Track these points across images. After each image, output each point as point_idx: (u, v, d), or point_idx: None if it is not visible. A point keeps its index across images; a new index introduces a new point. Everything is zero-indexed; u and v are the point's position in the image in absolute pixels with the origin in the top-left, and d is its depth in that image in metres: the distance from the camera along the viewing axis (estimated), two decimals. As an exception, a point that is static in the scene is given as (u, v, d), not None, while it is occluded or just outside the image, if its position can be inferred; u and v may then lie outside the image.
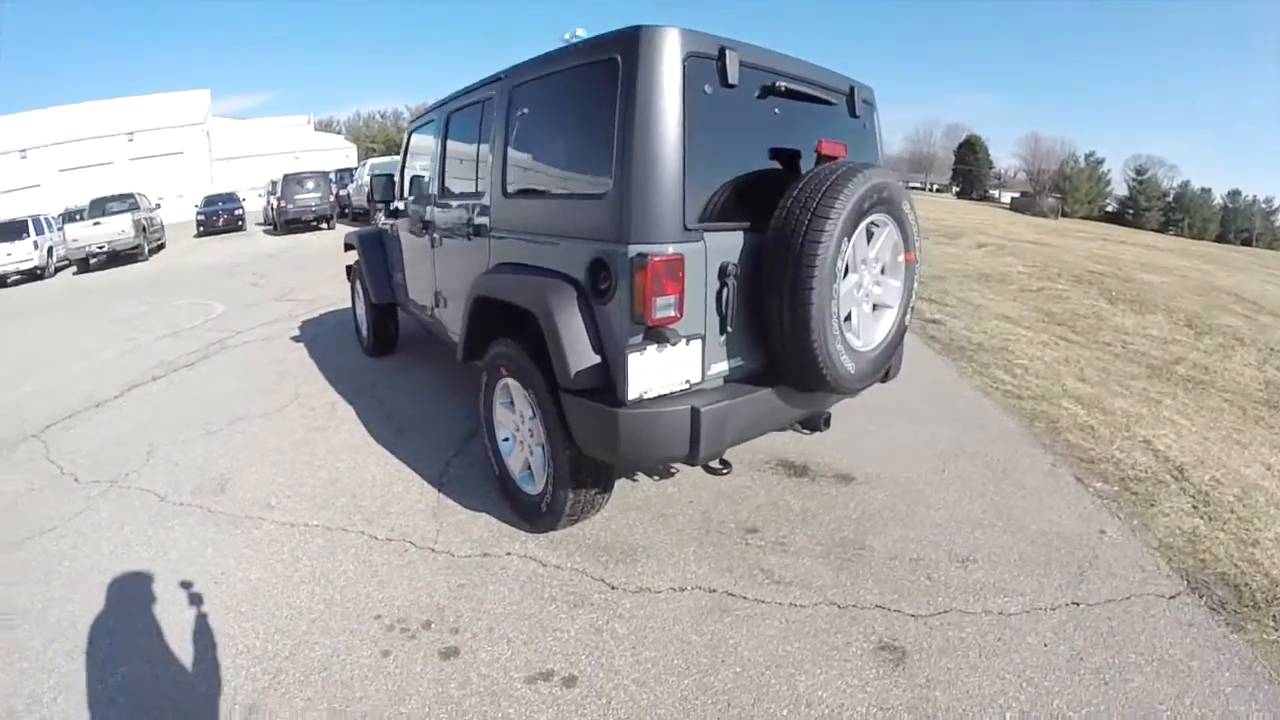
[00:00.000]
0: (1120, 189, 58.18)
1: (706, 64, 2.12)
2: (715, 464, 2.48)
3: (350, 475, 3.45)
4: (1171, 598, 2.37)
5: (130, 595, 2.54)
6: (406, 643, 2.21)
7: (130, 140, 29.94)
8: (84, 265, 14.28)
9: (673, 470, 3.04)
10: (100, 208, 14.81)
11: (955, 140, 73.95)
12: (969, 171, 66.21)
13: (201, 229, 19.69)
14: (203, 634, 2.29)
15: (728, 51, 2.13)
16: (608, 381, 2.10)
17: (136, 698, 2.02)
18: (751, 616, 2.27)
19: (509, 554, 2.68)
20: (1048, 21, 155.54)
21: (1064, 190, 54.47)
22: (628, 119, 2.02)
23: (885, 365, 2.49)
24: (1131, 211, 52.80)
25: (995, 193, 65.24)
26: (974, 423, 4.00)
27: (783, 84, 2.30)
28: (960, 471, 3.34)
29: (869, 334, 2.44)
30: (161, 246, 17.51)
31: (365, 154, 40.77)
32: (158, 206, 18.14)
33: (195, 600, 2.48)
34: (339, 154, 36.80)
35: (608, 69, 2.10)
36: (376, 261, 4.87)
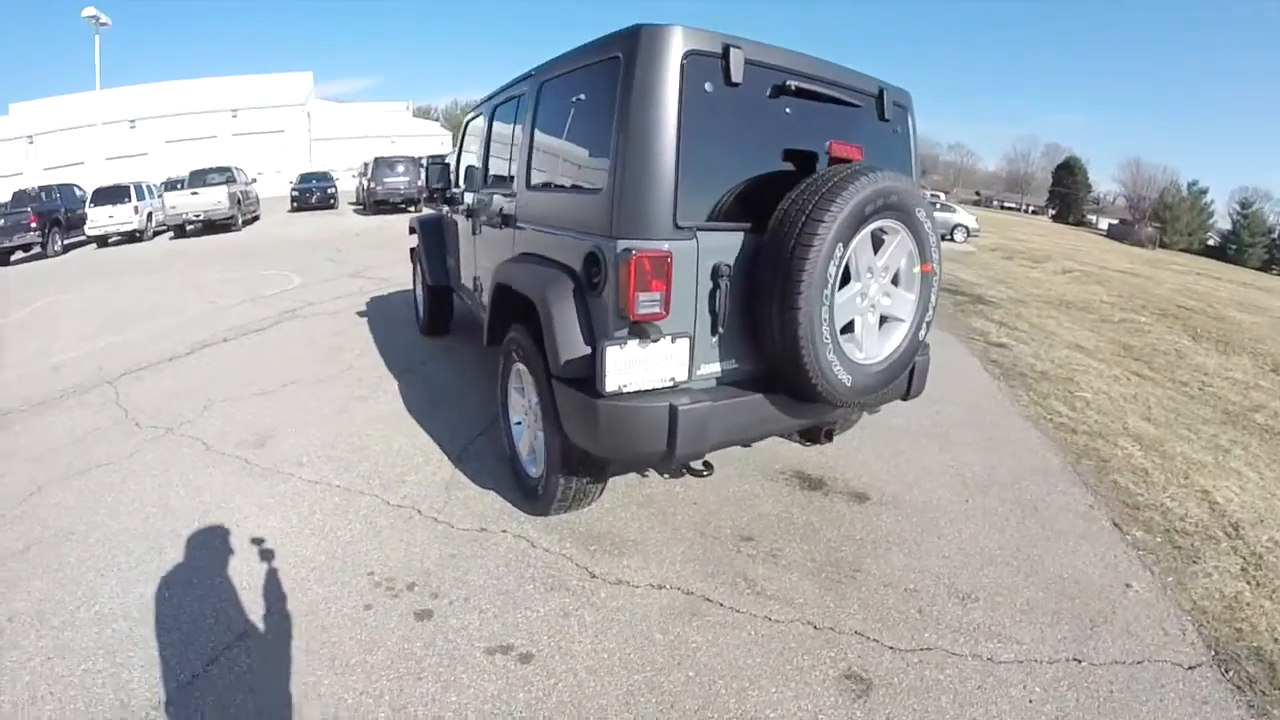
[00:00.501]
0: (1223, 222, 53.05)
1: (709, 62, 2.10)
2: (697, 465, 2.46)
3: (379, 443, 3.62)
4: (1191, 668, 2.15)
5: (159, 529, 2.82)
6: (388, 600, 2.35)
7: (234, 116, 32.07)
8: (180, 231, 15.60)
9: (683, 469, 3.02)
10: (200, 179, 15.82)
11: (1054, 161, 69.48)
12: (1066, 194, 62.07)
13: (295, 205, 20.94)
14: (215, 569, 2.52)
15: (732, 49, 2.11)
16: (594, 372, 2.13)
17: (144, 614, 2.28)
18: (721, 624, 2.25)
19: (504, 532, 2.77)
20: (1156, 41, 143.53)
21: (1164, 220, 50.23)
22: (624, 116, 2.06)
23: (892, 380, 2.39)
24: (1234, 247, 48.07)
25: (1092, 218, 60.85)
26: (1014, 454, 3.78)
27: (794, 83, 2.25)
28: (985, 503, 3.16)
29: (874, 347, 2.35)
30: (256, 218, 18.77)
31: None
32: (254, 181, 19.52)
33: (216, 539, 2.73)
34: (434, 140, 38.25)
35: (611, 67, 2.14)
36: (434, 245, 5.09)
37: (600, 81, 2.22)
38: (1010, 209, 66.06)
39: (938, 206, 21.06)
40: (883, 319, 2.39)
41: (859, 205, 2.04)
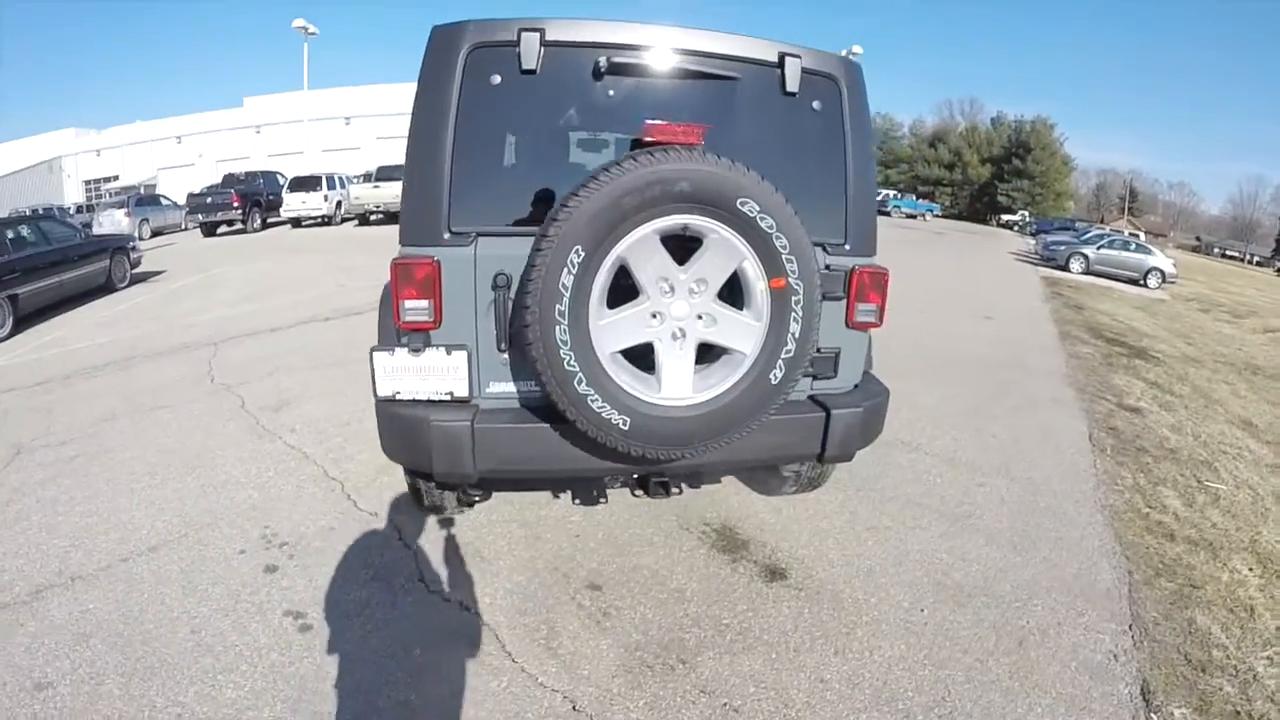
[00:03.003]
0: None
1: (499, 52, 1.91)
2: (471, 492, 2.32)
3: (371, 423, 3.99)
4: None
5: (160, 460, 3.58)
6: (259, 550, 2.70)
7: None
8: (364, 220, 17.68)
9: (600, 499, 2.80)
10: (386, 174, 17.00)
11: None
12: (1298, 245, 47.78)
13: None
14: (169, 497, 3.20)
15: (524, 34, 1.88)
16: None
17: (110, 509, 3.04)
18: (482, 665, 2.08)
19: (390, 522, 2.89)
20: None
21: None
22: (411, 121, 1.97)
23: (726, 432, 1.90)
24: None
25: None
26: (1046, 557, 2.80)
27: (614, 59, 1.92)
28: (949, 621, 2.35)
29: (680, 384, 1.86)
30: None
31: None
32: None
33: (189, 476, 3.43)
34: None
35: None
36: None
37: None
38: (1232, 258, 52.57)
39: (1132, 247, 17.14)
40: (709, 347, 1.91)
41: (615, 199, 1.67)
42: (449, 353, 1.97)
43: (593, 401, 1.78)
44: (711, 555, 2.66)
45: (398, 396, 2.01)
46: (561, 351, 1.74)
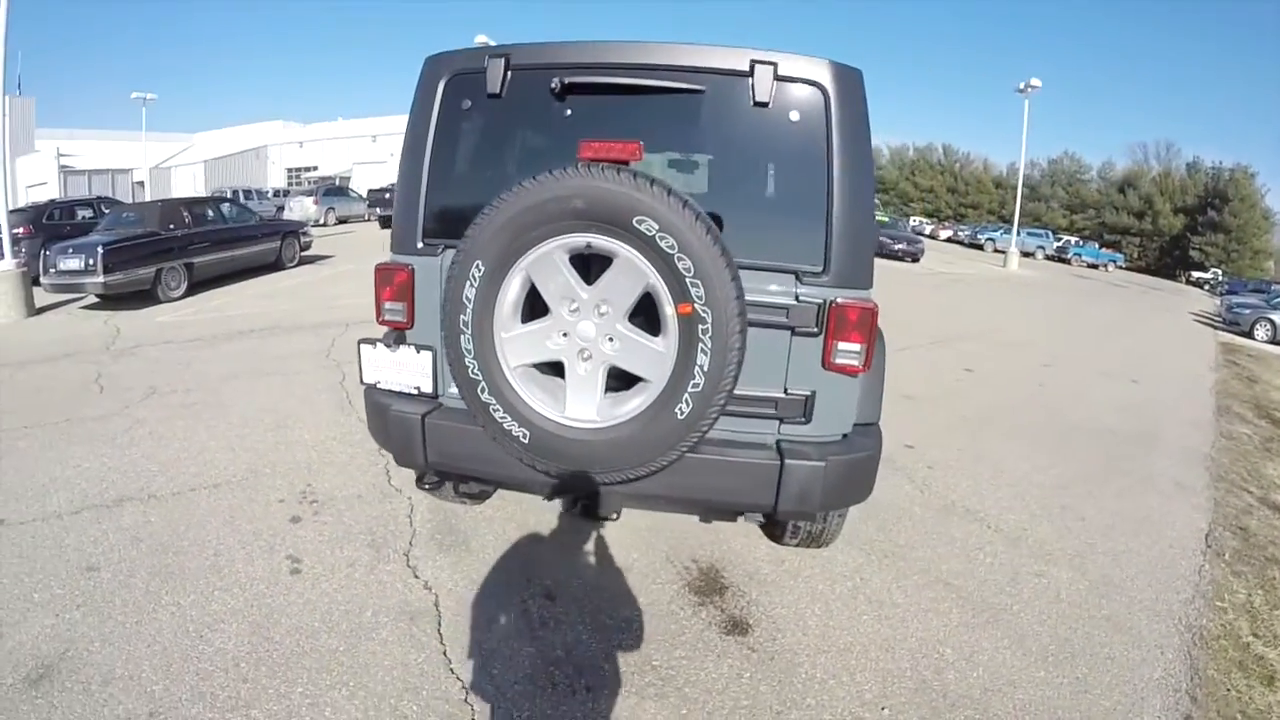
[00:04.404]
0: None
1: (472, 79, 2.07)
2: (431, 478, 2.44)
3: None
4: None
5: (255, 414, 4.19)
6: (294, 503, 3.09)
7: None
8: (385, 223, 18.53)
9: (611, 517, 2.67)
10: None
11: None
12: None
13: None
14: (250, 441, 3.71)
15: (490, 60, 2.01)
16: None
17: (206, 445, 3.56)
18: (399, 635, 2.20)
19: (409, 497, 3.14)
20: None
21: None
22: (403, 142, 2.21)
23: (642, 462, 1.81)
24: None
25: None
26: (1081, 679, 2.25)
27: (566, 79, 1.95)
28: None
29: (584, 404, 1.83)
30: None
31: None
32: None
33: (275, 428, 3.99)
34: None
35: None
36: None
37: None
38: None
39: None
40: (622, 373, 1.83)
41: (513, 216, 1.71)
42: (418, 351, 2.15)
43: (494, 410, 1.85)
44: (680, 594, 2.54)
45: (378, 385, 2.23)
46: (466, 359, 1.84)
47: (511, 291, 1.79)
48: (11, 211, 8.21)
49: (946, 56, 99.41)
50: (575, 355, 1.81)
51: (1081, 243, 33.43)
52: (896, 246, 19.09)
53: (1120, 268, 31.95)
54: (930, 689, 2.12)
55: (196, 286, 8.46)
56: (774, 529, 2.79)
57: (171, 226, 8.22)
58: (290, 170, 37.16)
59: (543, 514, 2.98)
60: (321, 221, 17.65)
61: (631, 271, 1.71)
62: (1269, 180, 43.57)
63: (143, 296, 7.77)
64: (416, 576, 2.52)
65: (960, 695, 2.10)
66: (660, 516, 2.95)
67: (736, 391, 1.91)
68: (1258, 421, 6.32)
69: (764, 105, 1.92)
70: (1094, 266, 30.11)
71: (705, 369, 1.70)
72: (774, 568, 2.72)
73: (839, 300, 1.93)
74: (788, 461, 1.91)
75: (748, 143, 2.02)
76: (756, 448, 2.00)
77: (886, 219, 23.94)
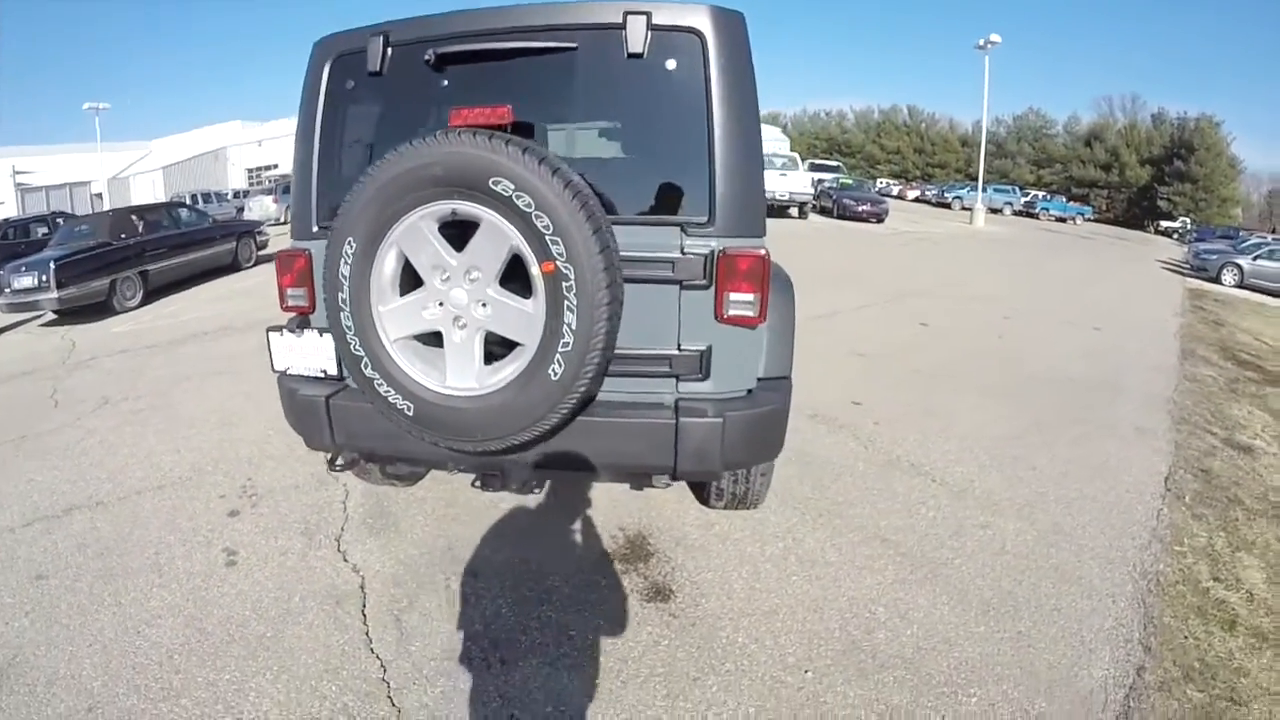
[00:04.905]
0: None
1: (355, 59, 2.05)
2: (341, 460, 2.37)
3: None
4: None
5: (213, 414, 4.16)
6: (234, 498, 3.09)
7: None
8: None
9: (535, 488, 2.57)
10: None
11: None
12: None
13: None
14: (196, 441, 3.69)
15: (371, 38, 1.99)
16: None
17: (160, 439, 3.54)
18: (315, 618, 2.22)
19: (344, 485, 3.12)
20: None
21: None
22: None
23: (522, 429, 1.78)
24: None
25: None
26: (1023, 634, 2.21)
27: (439, 51, 1.92)
28: (832, 694, 1.94)
29: (464, 373, 1.81)
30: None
31: (808, 150, 42.40)
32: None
33: (221, 427, 3.95)
34: (774, 144, 38.41)
35: None
36: None
37: None
38: None
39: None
40: (501, 341, 1.82)
41: (377, 190, 1.70)
42: (321, 335, 2.14)
43: (379, 385, 1.84)
44: (604, 562, 2.57)
45: (289, 371, 2.24)
46: (348, 336, 1.84)
47: (387, 265, 1.79)
48: (-37, 234, 7.90)
49: (910, 16, 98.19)
50: (451, 324, 1.80)
51: (1049, 197, 33.75)
52: (860, 208, 19.13)
53: (1089, 220, 32.68)
54: (859, 649, 2.13)
55: (153, 294, 8.38)
56: (701, 492, 2.80)
57: (123, 236, 8.14)
58: (250, 170, 36.23)
59: (475, 493, 2.93)
60: (282, 220, 17.26)
61: (496, 234, 1.69)
62: (1234, 129, 43.87)
63: (99, 308, 7.71)
64: (346, 560, 2.58)
65: (891, 655, 2.10)
66: (591, 486, 2.98)
67: (630, 351, 1.93)
68: (1223, 363, 6.33)
69: (639, 56, 1.87)
70: (1062, 220, 30.50)
71: (574, 328, 1.67)
72: (702, 532, 2.74)
73: (727, 250, 1.88)
74: (682, 420, 1.89)
75: (626, 96, 1.99)
76: (655, 408, 1.99)
77: (851, 181, 23.81)
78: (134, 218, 8.53)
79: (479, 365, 1.79)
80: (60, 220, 10.72)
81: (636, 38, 1.84)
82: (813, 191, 19.00)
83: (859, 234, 16.39)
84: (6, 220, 12.43)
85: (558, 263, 1.62)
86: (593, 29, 1.88)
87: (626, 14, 1.84)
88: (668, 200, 1.92)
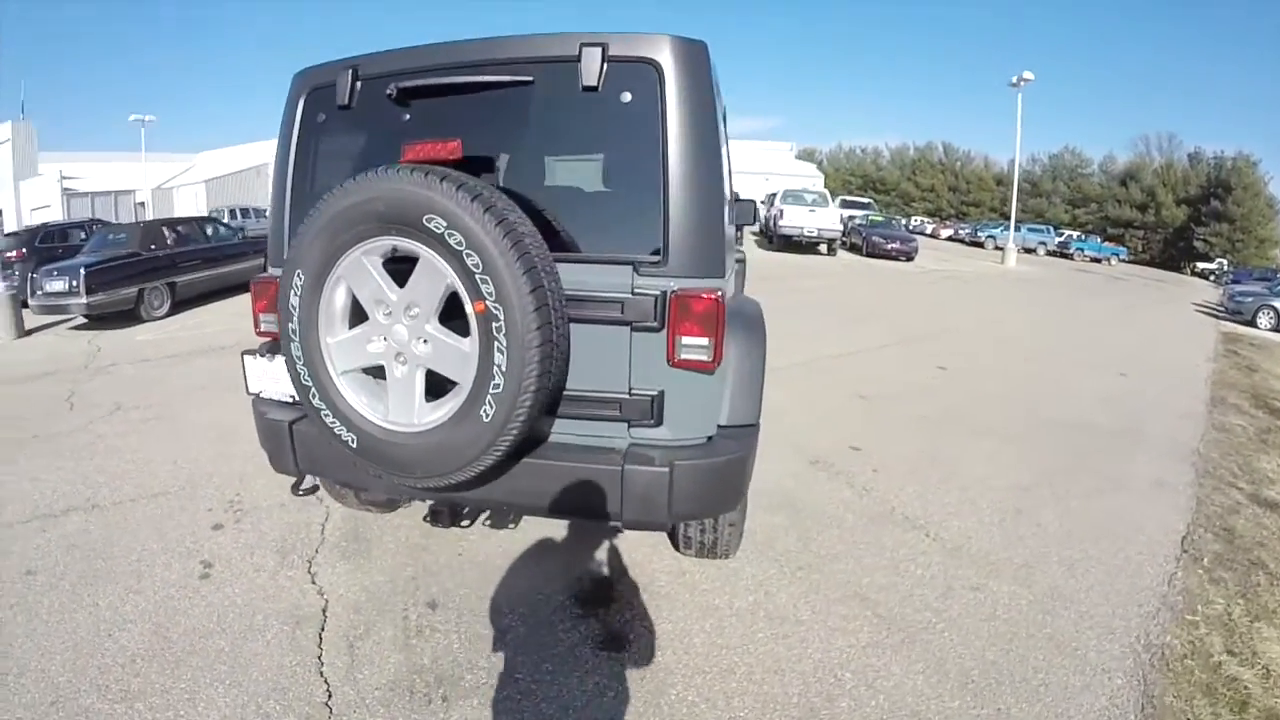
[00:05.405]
0: None
1: (327, 92, 2.14)
2: (305, 485, 2.42)
3: None
4: None
5: (216, 427, 4.24)
6: (220, 511, 3.15)
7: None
8: None
9: (511, 524, 2.58)
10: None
11: None
12: None
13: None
14: (194, 453, 3.79)
15: (340, 72, 2.09)
16: None
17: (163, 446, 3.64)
18: (274, 637, 2.23)
19: (327, 508, 3.14)
20: None
21: None
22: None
23: (461, 467, 1.76)
24: None
25: None
26: (1003, 712, 2.06)
27: (400, 86, 1.98)
28: None
29: (404, 408, 1.82)
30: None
31: (843, 187, 42.75)
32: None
33: (220, 440, 3.99)
34: (807, 180, 36.93)
35: None
36: None
37: None
38: None
39: None
40: (439, 375, 1.83)
41: (323, 224, 1.74)
42: None
43: (324, 416, 1.87)
44: (565, 605, 2.54)
45: (261, 395, 2.31)
46: (297, 366, 1.87)
47: (335, 298, 1.82)
48: (6, 235, 8.29)
49: (946, 53, 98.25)
50: (393, 359, 1.82)
51: (1084, 237, 33.59)
52: (889, 246, 18.87)
53: (1123, 261, 32.00)
54: (817, 718, 2.02)
55: (180, 305, 8.76)
56: (673, 537, 2.74)
57: (153, 247, 8.58)
58: (293, 187, 37.86)
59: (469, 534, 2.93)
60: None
61: (433, 272, 1.69)
62: (1272, 168, 42.62)
63: (127, 316, 8.10)
64: (314, 582, 2.62)
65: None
66: (568, 524, 2.94)
67: (581, 392, 1.93)
68: (1254, 412, 5.99)
69: (594, 89, 1.86)
70: (1096, 260, 30.19)
71: (504, 369, 1.65)
72: (671, 580, 2.68)
73: (679, 291, 1.84)
74: (628, 468, 1.85)
75: (581, 130, 2.00)
76: (605, 453, 1.96)
77: (880, 218, 23.70)
78: (165, 229, 8.96)
79: (419, 402, 1.79)
80: (97, 228, 11.27)
81: (591, 70, 1.83)
82: (841, 228, 18.98)
83: (887, 272, 16.21)
84: (46, 225, 12.99)
85: (487, 302, 1.61)
86: (549, 62, 1.89)
87: (582, 45, 1.84)
88: (621, 238, 1.90)
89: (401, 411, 1.80)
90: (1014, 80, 22.46)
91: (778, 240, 17.89)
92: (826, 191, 20.50)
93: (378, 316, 1.77)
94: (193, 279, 8.87)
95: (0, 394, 5.31)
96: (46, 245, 10.40)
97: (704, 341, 1.82)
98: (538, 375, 1.63)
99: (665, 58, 1.83)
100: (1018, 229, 26.44)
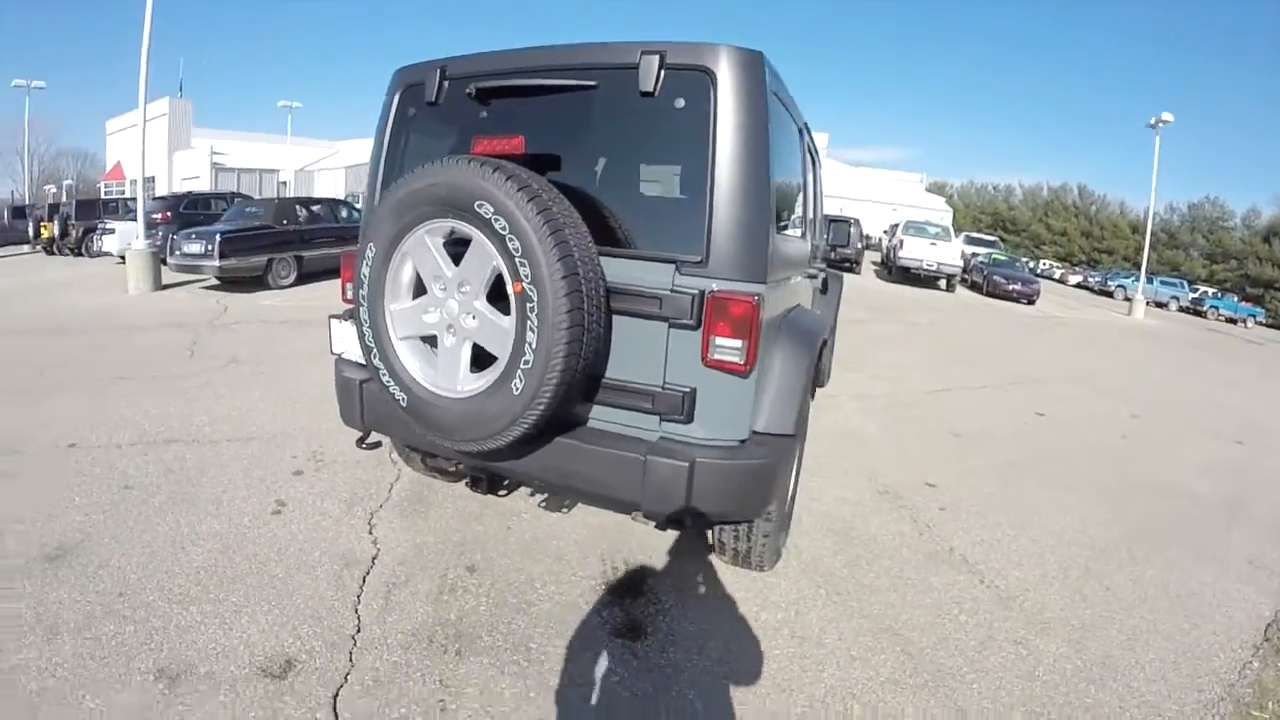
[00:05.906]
0: None
1: (418, 90, 2.36)
2: (370, 440, 2.62)
3: None
4: None
5: (316, 386, 4.75)
6: (302, 460, 3.50)
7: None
8: None
9: (565, 507, 2.85)
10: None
11: None
12: None
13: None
14: (293, 408, 4.24)
15: (429, 72, 2.30)
16: None
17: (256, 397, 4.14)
18: (320, 573, 2.45)
19: (398, 467, 3.42)
20: None
21: None
22: None
23: (493, 435, 1.89)
24: None
25: None
26: None
27: (479, 87, 2.18)
28: None
29: (450, 375, 2.00)
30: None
31: (972, 224, 41.55)
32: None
33: (318, 400, 4.43)
34: (935, 214, 35.76)
35: None
36: None
37: None
38: None
39: None
40: (479, 347, 1.99)
41: (393, 205, 1.94)
42: None
43: (382, 374, 2.07)
44: (594, 589, 2.60)
45: (342, 355, 2.56)
46: (364, 328, 2.09)
47: (403, 270, 2.04)
48: (155, 199, 9.49)
49: (1087, 92, 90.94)
50: (445, 330, 2.00)
51: (1220, 295, 31.90)
52: (1010, 286, 17.70)
53: (1261, 324, 28.63)
54: None
55: (307, 277, 9.69)
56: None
57: (285, 222, 9.59)
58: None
59: (504, 500, 3.17)
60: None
61: (482, 253, 1.86)
62: None
63: (256, 281, 9.12)
64: (370, 533, 2.85)
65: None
66: (613, 517, 3.01)
67: (618, 381, 2.03)
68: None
69: (650, 95, 1.99)
70: (1232, 321, 27.98)
71: (534, 347, 1.79)
72: (705, 585, 2.70)
73: (715, 291, 1.92)
74: (649, 457, 1.94)
75: (637, 133, 2.14)
76: (635, 442, 2.05)
77: (1004, 257, 22.22)
78: (298, 207, 10.01)
79: (464, 371, 1.96)
80: (237, 198, 12.70)
81: (648, 77, 1.95)
82: (962, 264, 18.07)
83: (1004, 313, 15.27)
84: (190, 192, 14.56)
85: (524, 284, 1.75)
86: (612, 69, 2.04)
87: (642, 53, 1.97)
88: (667, 237, 2.00)
89: (447, 378, 1.97)
90: (1152, 121, 20.62)
91: (896, 272, 17.34)
92: (950, 225, 19.57)
93: (435, 290, 1.96)
94: (320, 254, 9.73)
95: (132, 338, 6.13)
96: (189, 211, 11.82)
97: (737, 344, 1.88)
98: (564, 356, 1.74)
99: (719, 66, 1.91)
100: (1149, 280, 25.29)
